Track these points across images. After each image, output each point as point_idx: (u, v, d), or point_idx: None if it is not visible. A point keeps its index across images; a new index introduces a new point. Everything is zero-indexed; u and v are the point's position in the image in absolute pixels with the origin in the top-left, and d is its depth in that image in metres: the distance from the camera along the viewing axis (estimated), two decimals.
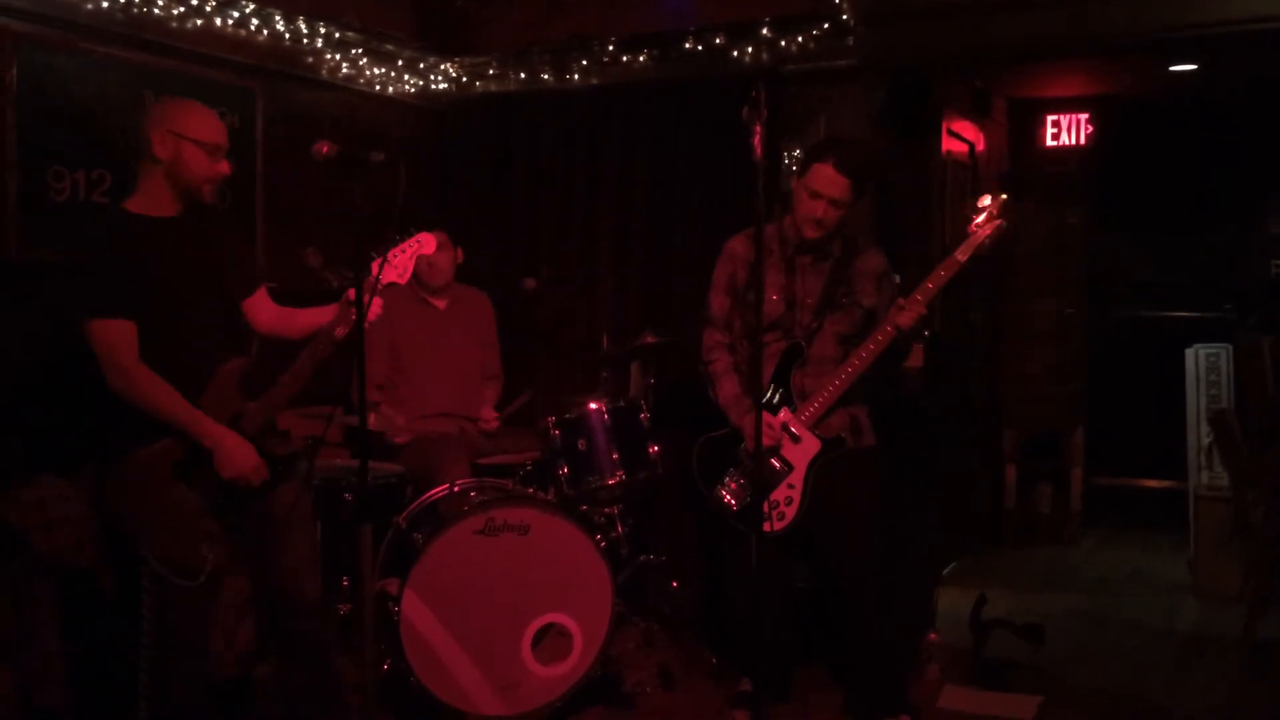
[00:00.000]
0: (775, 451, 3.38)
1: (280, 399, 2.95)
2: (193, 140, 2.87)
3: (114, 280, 2.80)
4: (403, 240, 3.02)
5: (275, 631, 3.07)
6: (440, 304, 4.47)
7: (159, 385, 2.80)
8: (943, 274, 3.29)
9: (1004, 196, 3.31)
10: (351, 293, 2.82)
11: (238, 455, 2.83)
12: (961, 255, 3.27)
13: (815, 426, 3.40)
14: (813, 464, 3.38)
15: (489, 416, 4.42)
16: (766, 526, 3.32)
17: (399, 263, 3.01)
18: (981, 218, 3.29)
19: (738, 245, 3.58)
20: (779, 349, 3.44)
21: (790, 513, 3.38)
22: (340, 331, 2.93)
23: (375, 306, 2.90)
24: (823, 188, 3.34)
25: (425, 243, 3.06)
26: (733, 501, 3.45)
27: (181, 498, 2.79)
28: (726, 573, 3.72)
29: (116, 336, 2.78)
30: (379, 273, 2.89)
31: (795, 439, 3.40)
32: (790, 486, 3.39)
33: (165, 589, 2.77)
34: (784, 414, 3.42)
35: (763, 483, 3.32)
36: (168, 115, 2.90)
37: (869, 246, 3.59)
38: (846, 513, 3.39)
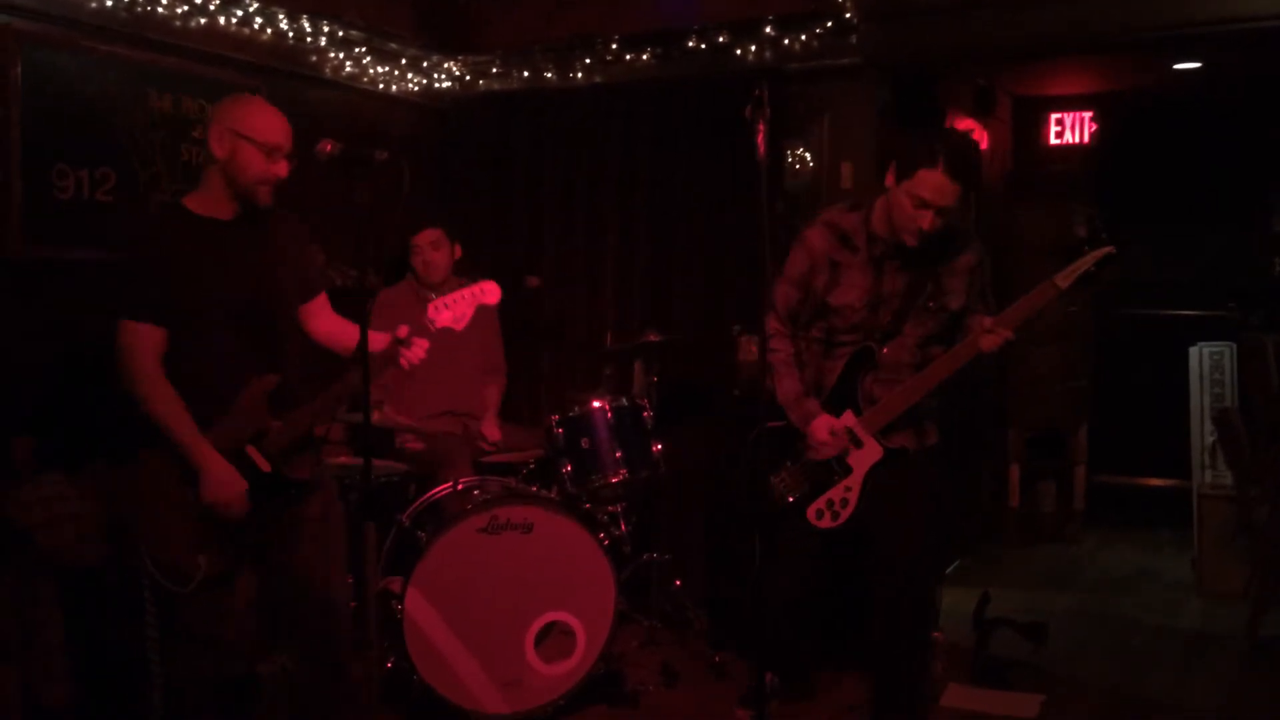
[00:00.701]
0: (839, 458, 3.24)
1: (306, 421, 2.88)
2: (250, 139, 2.79)
3: (148, 282, 2.74)
4: (467, 286, 2.90)
5: (294, 632, 3.03)
6: None
7: (167, 398, 2.74)
8: (1036, 299, 3.06)
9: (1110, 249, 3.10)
10: (403, 331, 2.84)
11: (221, 481, 2.74)
12: (1062, 282, 3.05)
13: (881, 434, 3.22)
14: (872, 470, 3.22)
15: (491, 434, 4.33)
16: (822, 523, 3.25)
17: (458, 309, 2.88)
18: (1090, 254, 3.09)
19: (816, 238, 3.27)
20: (850, 352, 3.25)
21: (844, 514, 3.24)
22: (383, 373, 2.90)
23: (420, 350, 2.87)
24: (932, 196, 3.00)
25: (489, 292, 2.90)
26: (786, 494, 3.31)
27: (187, 502, 2.74)
28: (769, 569, 3.55)
29: (138, 341, 2.74)
30: (436, 315, 2.84)
31: (858, 444, 3.22)
32: (847, 489, 3.24)
33: (164, 590, 2.74)
34: (847, 416, 3.23)
35: (823, 484, 3.26)
36: (228, 112, 2.83)
37: (967, 242, 3.26)
38: (902, 516, 3.25)
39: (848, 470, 3.24)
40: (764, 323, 3.26)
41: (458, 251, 4.42)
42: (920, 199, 3.02)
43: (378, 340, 2.91)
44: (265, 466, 2.82)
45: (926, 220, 3.04)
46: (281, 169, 2.85)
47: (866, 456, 3.22)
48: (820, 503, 3.26)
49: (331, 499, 3.01)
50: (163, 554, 2.73)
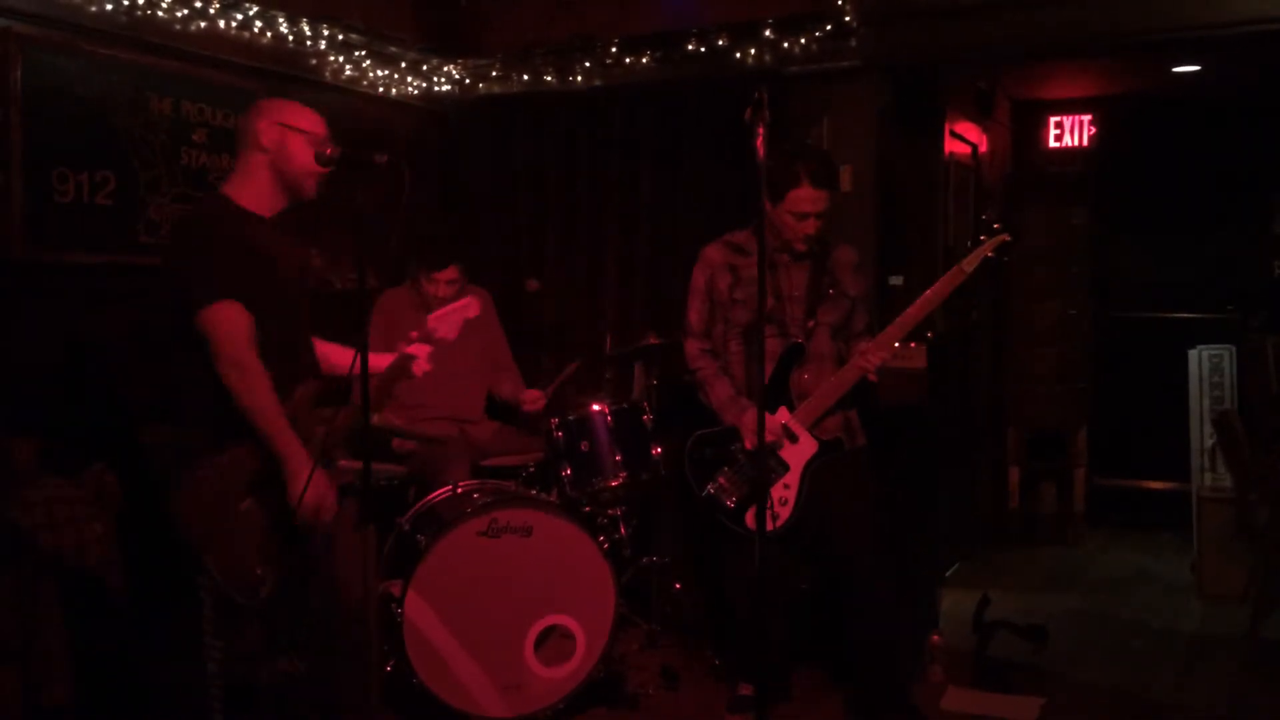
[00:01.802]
0: (774, 451, 3.39)
1: (345, 426, 2.87)
2: (299, 130, 2.83)
3: (226, 264, 2.70)
4: (453, 301, 3.09)
5: (316, 635, 3.01)
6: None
7: (267, 387, 2.67)
8: (945, 285, 3.29)
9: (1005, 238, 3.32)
10: (413, 336, 2.96)
11: (317, 485, 2.69)
12: (967, 266, 3.27)
13: (813, 427, 3.41)
14: (809, 465, 3.40)
15: (533, 396, 4.40)
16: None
17: (451, 321, 3.06)
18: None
19: (713, 252, 3.60)
20: (774, 346, 3.43)
21: (785, 513, 3.38)
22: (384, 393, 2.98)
23: (424, 361, 3.01)
24: (810, 207, 3.37)
25: (470, 306, 3.10)
26: (727, 499, 3.45)
27: (250, 513, 2.71)
28: (725, 575, 3.73)
29: (233, 323, 2.67)
30: (434, 326, 2.99)
31: (793, 439, 3.41)
32: (786, 486, 3.40)
33: (226, 601, 2.72)
34: (782, 413, 3.42)
35: (763, 482, 3.31)
36: (274, 108, 2.88)
37: (838, 241, 3.62)
38: (844, 511, 3.40)
39: (785, 467, 3.40)
40: (684, 346, 3.63)
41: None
42: (799, 212, 3.37)
43: (382, 360, 3.03)
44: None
45: (812, 226, 3.39)
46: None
47: (802, 451, 3.40)
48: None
49: (352, 500, 2.98)
50: (229, 565, 2.68)
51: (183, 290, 2.70)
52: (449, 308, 3.09)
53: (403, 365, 3.02)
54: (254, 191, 2.85)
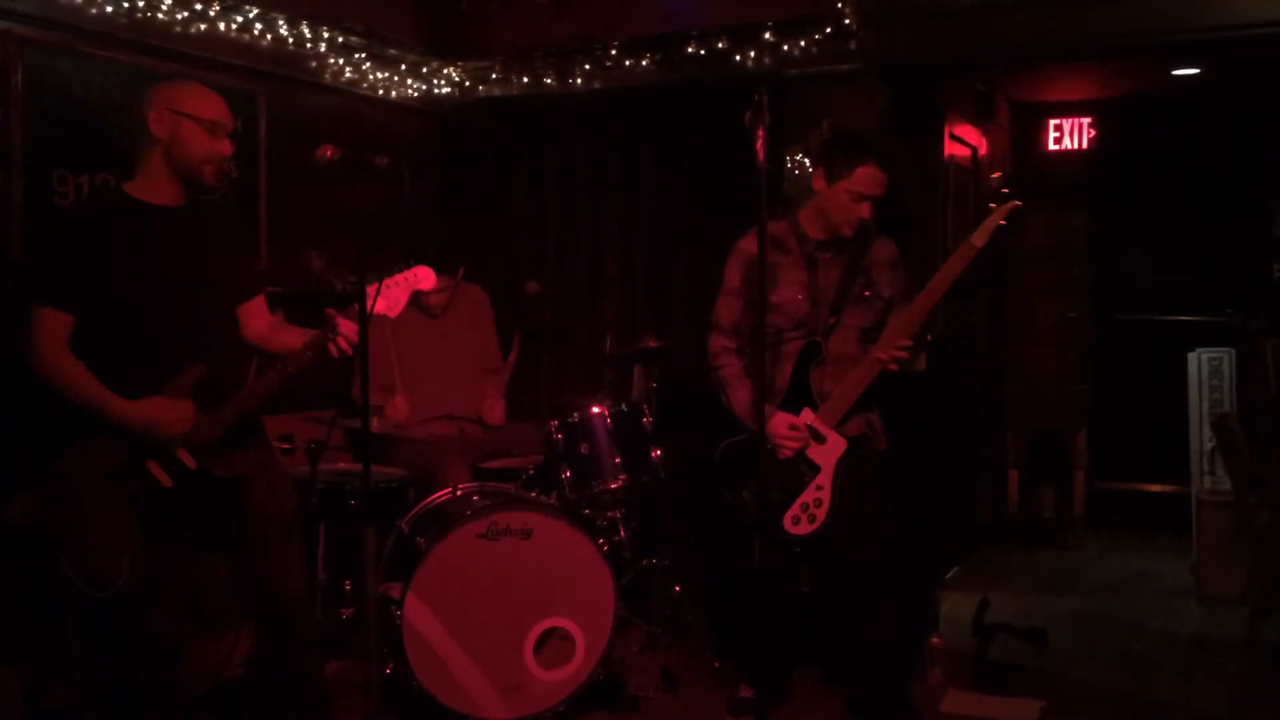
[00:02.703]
0: (801, 454, 3.33)
1: (232, 415, 2.84)
2: (191, 116, 2.80)
3: (60, 268, 2.73)
4: (400, 271, 2.91)
5: (259, 634, 3.04)
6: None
7: (75, 371, 2.72)
8: (957, 262, 3.20)
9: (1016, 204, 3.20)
10: (330, 313, 2.83)
11: (147, 412, 2.71)
12: (977, 240, 3.17)
13: (838, 426, 3.34)
14: (840, 463, 3.31)
15: (494, 410, 4.44)
16: (799, 530, 3.29)
17: (392, 295, 2.91)
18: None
19: (750, 246, 3.44)
20: (796, 348, 3.38)
21: (821, 515, 3.29)
22: (296, 365, 2.85)
23: (346, 328, 2.83)
24: (868, 188, 3.31)
25: (424, 277, 2.95)
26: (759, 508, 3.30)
27: (111, 505, 2.70)
28: (741, 579, 3.65)
29: (43, 326, 2.72)
30: (372, 302, 2.81)
31: (820, 439, 3.33)
32: (819, 488, 3.30)
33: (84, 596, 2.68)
34: (805, 414, 3.35)
35: (792, 486, 3.30)
36: (165, 94, 2.84)
37: (879, 235, 3.53)
38: (870, 514, 3.33)
39: (816, 469, 3.33)
40: (708, 341, 3.52)
41: (460, 275, 4.43)
42: (858, 193, 3.32)
43: (298, 335, 2.93)
44: (191, 463, 2.79)
45: (866, 210, 3.34)
46: (225, 147, 2.86)
47: (831, 450, 3.33)
48: (795, 509, 3.29)
49: (282, 498, 2.97)
50: (85, 560, 2.67)
51: (25, 288, 2.79)
52: (394, 278, 2.89)
53: (317, 343, 2.87)
54: (152, 183, 2.84)
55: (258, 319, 3.10)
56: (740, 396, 3.46)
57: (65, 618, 2.84)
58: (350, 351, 2.86)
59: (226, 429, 2.85)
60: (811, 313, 3.40)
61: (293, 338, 2.99)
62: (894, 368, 3.26)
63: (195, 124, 2.81)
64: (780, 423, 3.33)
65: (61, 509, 2.74)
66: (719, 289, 3.56)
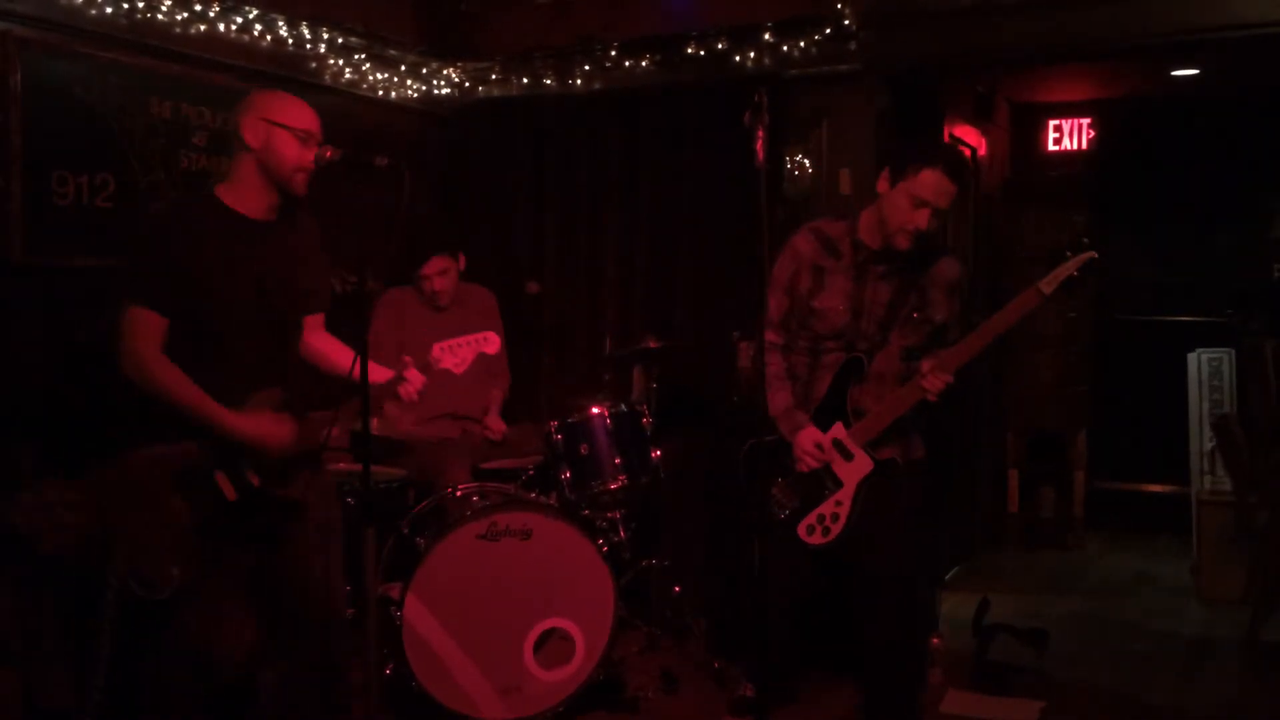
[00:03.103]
0: (827, 466, 3.25)
1: (310, 438, 2.87)
2: (284, 126, 2.78)
3: (157, 268, 2.72)
4: (470, 333, 3.02)
5: (293, 641, 3.02)
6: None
7: (173, 375, 2.70)
8: (1020, 306, 3.04)
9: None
10: (407, 360, 2.92)
11: (258, 427, 2.73)
12: (1045, 288, 3.03)
13: (869, 446, 3.21)
14: (862, 483, 3.21)
15: (495, 425, 4.41)
16: (813, 539, 3.25)
17: (460, 354, 2.97)
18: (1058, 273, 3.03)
19: (803, 244, 3.30)
20: (836, 359, 3.26)
21: (836, 529, 3.23)
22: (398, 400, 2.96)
23: (417, 385, 2.94)
24: (932, 196, 3.04)
25: (490, 341, 3.02)
26: (780, 510, 3.31)
27: (173, 511, 2.71)
28: (747, 577, 3.58)
29: (138, 325, 2.70)
30: (440, 355, 2.92)
31: (848, 456, 3.22)
32: (838, 503, 3.24)
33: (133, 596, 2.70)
34: (837, 429, 3.23)
35: (813, 495, 3.25)
36: (259, 103, 2.82)
37: (945, 253, 3.34)
38: (890, 526, 3.25)
39: (839, 484, 3.24)
40: (761, 334, 3.33)
41: (462, 263, 4.42)
42: (920, 199, 3.05)
43: (380, 373, 2.96)
44: (255, 481, 2.79)
45: (924, 219, 3.07)
46: (312, 156, 2.82)
47: (857, 469, 3.22)
48: (811, 518, 3.26)
49: (330, 507, 2.99)
50: (138, 561, 2.69)
51: (117, 286, 2.77)
52: (460, 339, 2.99)
53: (392, 386, 2.96)
54: (243, 191, 2.82)
55: (317, 335, 3.10)
56: (779, 400, 3.33)
57: (104, 610, 2.84)
58: (410, 400, 3.00)
59: (299, 450, 2.86)
60: (851, 324, 3.24)
61: (342, 357, 3.03)
62: (933, 399, 3.10)
63: (289, 133, 2.79)
64: (807, 438, 3.23)
65: (123, 506, 2.75)
66: (769, 283, 3.37)
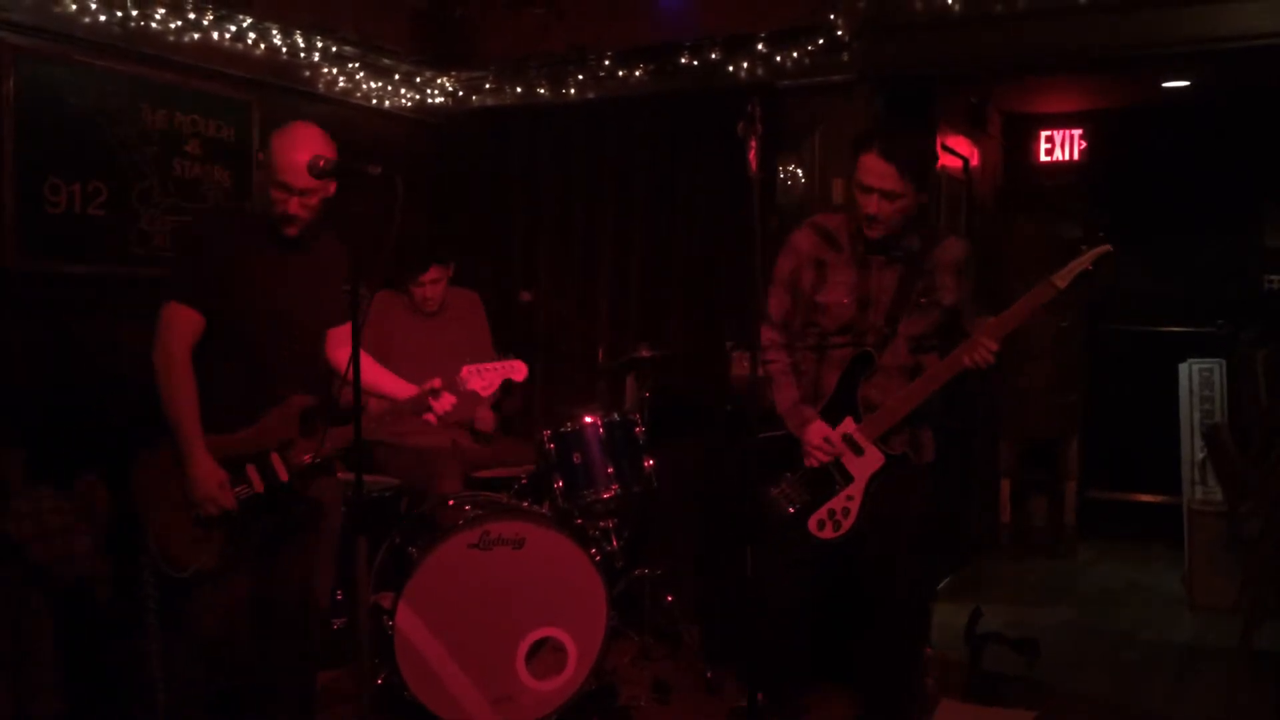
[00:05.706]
0: (837, 461, 3.24)
1: (330, 446, 2.96)
2: (269, 173, 2.83)
3: (198, 270, 2.83)
4: (500, 358, 3.14)
5: (267, 636, 3.06)
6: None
7: (183, 386, 2.80)
8: (1034, 299, 3.05)
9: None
10: (436, 383, 3.02)
11: (199, 476, 2.80)
12: (1060, 281, 3.04)
13: (880, 440, 3.21)
14: (873, 478, 3.22)
15: (484, 416, 4.43)
16: (824, 534, 3.24)
17: (487, 378, 3.09)
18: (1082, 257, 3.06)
19: (802, 240, 3.30)
20: (844, 355, 3.24)
21: (846, 524, 3.22)
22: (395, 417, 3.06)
23: (448, 404, 3.04)
24: (875, 180, 3.05)
25: (517, 370, 3.13)
26: (787, 505, 3.29)
27: (189, 502, 2.82)
28: (762, 579, 3.52)
29: (176, 321, 2.81)
30: (468, 376, 3.03)
31: (858, 451, 3.22)
32: (849, 498, 3.23)
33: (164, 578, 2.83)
34: (847, 423, 3.23)
35: (823, 490, 3.25)
36: (272, 137, 2.87)
37: (948, 234, 3.34)
38: (900, 528, 3.25)
39: (849, 479, 3.24)
40: (759, 334, 3.28)
41: (451, 270, 4.43)
42: (863, 184, 3.08)
43: (407, 389, 3.10)
44: (284, 476, 2.89)
45: (872, 205, 3.07)
46: (293, 205, 2.83)
47: (868, 464, 3.22)
48: (822, 513, 3.25)
49: (337, 513, 3.09)
50: (164, 541, 2.81)
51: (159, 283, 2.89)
52: (490, 365, 3.07)
53: (418, 405, 3.07)
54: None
55: (340, 346, 3.15)
56: (785, 395, 3.31)
57: (146, 591, 2.97)
58: (436, 422, 3.13)
59: (321, 455, 2.95)
60: (858, 317, 3.22)
61: (376, 377, 3.16)
62: (983, 366, 3.09)
63: (271, 182, 2.83)
64: (816, 433, 3.22)
65: (157, 489, 2.85)
66: (769, 282, 3.37)
